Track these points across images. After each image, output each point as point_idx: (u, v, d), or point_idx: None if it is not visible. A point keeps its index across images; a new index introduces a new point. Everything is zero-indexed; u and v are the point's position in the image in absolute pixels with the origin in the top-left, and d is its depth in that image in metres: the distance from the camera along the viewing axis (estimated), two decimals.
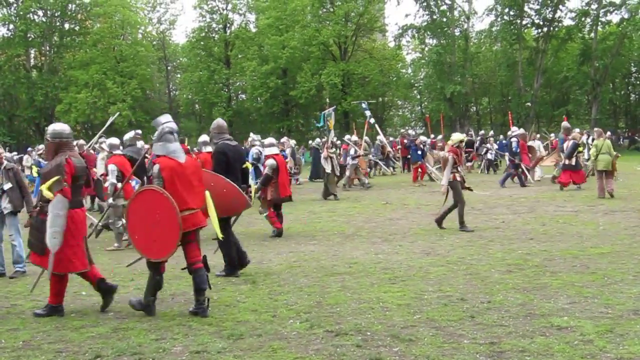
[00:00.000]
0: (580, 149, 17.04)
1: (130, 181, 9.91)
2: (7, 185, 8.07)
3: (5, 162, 8.25)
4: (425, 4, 44.58)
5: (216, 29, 48.46)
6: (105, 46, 46.53)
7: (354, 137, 21.62)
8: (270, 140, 11.64)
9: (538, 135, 25.36)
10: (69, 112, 42.86)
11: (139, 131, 12.96)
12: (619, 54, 43.18)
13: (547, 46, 43.97)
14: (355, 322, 5.37)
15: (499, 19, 44.44)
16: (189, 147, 19.54)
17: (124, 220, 8.44)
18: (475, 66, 47.74)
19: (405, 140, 26.48)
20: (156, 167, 5.82)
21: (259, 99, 46.03)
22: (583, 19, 43.14)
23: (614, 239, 9.14)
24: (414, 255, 8.46)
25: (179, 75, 54.03)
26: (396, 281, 6.92)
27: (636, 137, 44.93)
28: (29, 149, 26.97)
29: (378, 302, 6.01)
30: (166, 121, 6.10)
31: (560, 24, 44.38)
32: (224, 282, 7.24)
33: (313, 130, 47.64)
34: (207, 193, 6.22)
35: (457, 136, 11.35)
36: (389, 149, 27.29)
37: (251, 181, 9.53)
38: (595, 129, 16.98)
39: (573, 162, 16.43)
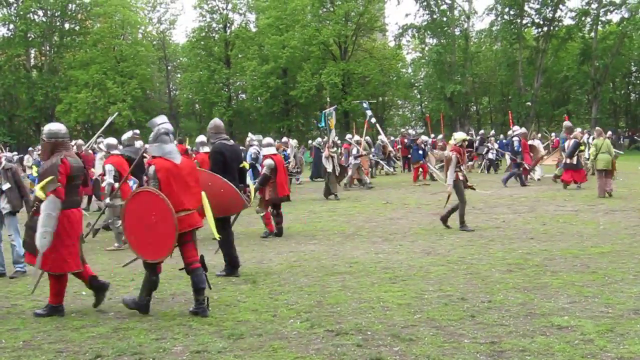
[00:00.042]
0: (582, 148, 17.05)
1: (128, 181, 9.91)
2: (5, 186, 8.07)
3: (3, 162, 8.24)
4: (425, 3, 44.57)
5: (216, 29, 48.48)
6: (105, 46, 46.54)
7: (357, 137, 21.63)
8: (268, 140, 11.65)
9: (539, 135, 25.36)
10: (69, 112, 42.90)
11: (137, 131, 12.96)
12: (619, 53, 43.17)
13: (547, 45, 43.95)
14: (356, 322, 5.37)
15: (499, 19, 44.44)
16: (188, 147, 19.53)
17: None
18: (476, 66, 47.73)
19: (406, 140, 26.49)
20: (152, 169, 5.83)
21: (259, 98, 46.05)
22: (583, 18, 43.13)
23: (614, 238, 9.13)
24: (414, 255, 8.46)
25: (179, 75, 54.05)
26: (397, 281, 6.92)
27: (636, 137, 44.88)
28: (30, 148, 27.01)
29: (378, 302, 6.01)
30: (162, 122, 6.10)
31: (560, 24, 44.36)
32: (224, 282, 7.23)
33: (313, 130, 47.68)
34: (204, 193, 6.23)
35: (460, 135, 11.34)
36: (390, 148, 27.28)
37: (250, 181, 9.53)
38: (596, 128, 16.99)
39: (574, 161, 16.45)
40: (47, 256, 5.81)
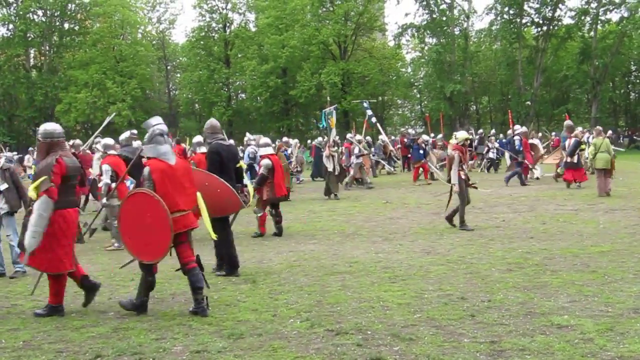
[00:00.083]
0: (583, 147, 17.08)
1: (125, 181, 9.90)
2: (3, 186, 8.06)
3: (2, 162, 8.24)
4: (424, 3, 44.54)
5: (216, 29, 48.48)
6: (104, 46, 46.54)
7: (358, 136, 21.63)
8: (265, 140, 11.65)
9: (540, 134, 25.36)
10: (69, 112, 42.92)
11: (135, 131, 12.92)
12: (618, 52, 43.18)
13: (546, 45, 43.96)
14: (356, 321, 5.37)
15: (498, 18, 44.45)
16: (188, 146, 19.48)
17: None
18: (475, 65, 47.73)
19: (405, 140, 26.49)
20: (146, 170, 5.84)
21: (258, 98, 46.07)
22: (583, 17, 43.13)
23: (614, 237, 9.13)
24: (414, 254, 8.46)
25: (178, 75, 54.04)
26: (396, 280, 6.92)
27: (634, 137, 44.86)
28: (30, 148, 27.02)
29: (378, 301, 6.01)
30: (157, 123, 6.11)
31: (559, 23, 44.38)
32: (224, 282, 7.24)
33: (313, 129, 47.67)
34: (199, 194, 6.23)
35: (462, 134, 11.35)
36: (391, 148, 27.27)
37: (248, 181, 9.53)
38: (596, 127, 17.00)
39: (575, 159, 16.47)
40: (43, 256, 5.82)
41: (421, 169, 21.06)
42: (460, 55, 45.11)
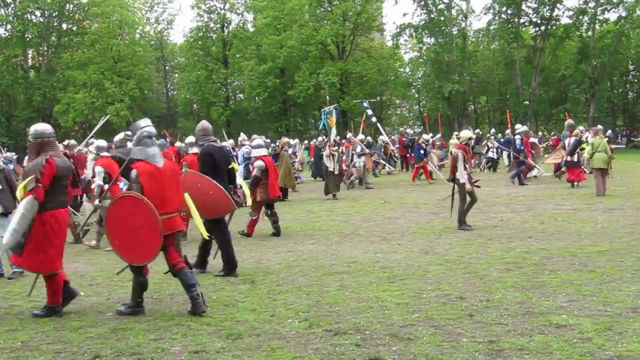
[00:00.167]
0: (583, 146, 17.09)
1: (118, 182, 9.89)
2: None
3: None
4: (422, 2, 44.51)
5: (214, 29, 48.44)
6: (103, 46, 46.46)
7: (361, 135, 21.61)
8: (258, 141, 11.65)
9: (540, 134, 25.38)
10: (67, 112, 42.86)
11: (129, 132, 12.86)
12: (616, 52, 43.21)
13: (544, 44, 43.98)
14: (354, 321, 5.37)
15: (496, 18, 44.48)
16: (183, 145, 19.44)
17: None
18: (473, 65, 47.74)
19: (404, 139, 26.48)
20: (134, 172, 5.84)
21: (257, 98, 46.05)
22: (581, 17, 43.14)
23: (612, 236, 9.15)
24: (412, 254, 8.47)
25: (176, 75, 54.01)
26: (395, 280, 6.92)
27: (632, 137, 44.91)
28: None
29: (377, 301, 6.01)
30: (145, 125, 6.10)
31: (557, 23, 44.39)
32: (222, 282, 7.24)
33: (311, 129, 47.66)
34: (187, 195, 6.22)
35: (465, 134, 11.37)
36: (391, 148, 27.27)
37: (242, 181, 9.53)
38: (594, 127, 17.01)
39: (575, 158, 16.49)
40: (35, 257, 5.82)
41: (422, 168, 21.06)
42: (458, 55, 45.11)
